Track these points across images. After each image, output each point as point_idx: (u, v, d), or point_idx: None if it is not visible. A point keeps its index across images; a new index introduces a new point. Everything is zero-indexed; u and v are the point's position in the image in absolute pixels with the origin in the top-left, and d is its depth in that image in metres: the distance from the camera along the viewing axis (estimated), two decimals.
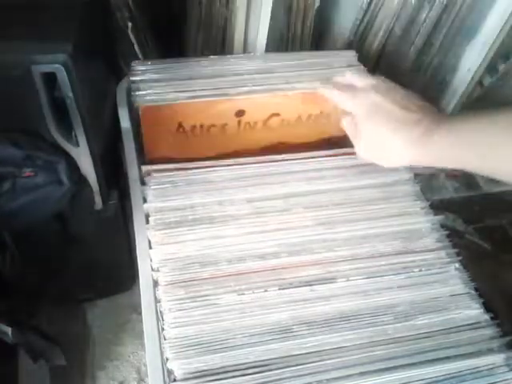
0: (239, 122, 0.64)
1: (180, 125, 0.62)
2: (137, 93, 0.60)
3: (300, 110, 0.65)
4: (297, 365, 0.46)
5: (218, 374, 0.45)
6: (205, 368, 0.45)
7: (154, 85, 0.62)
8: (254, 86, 0.63)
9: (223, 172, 0.60)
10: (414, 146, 0.50)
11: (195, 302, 0.49)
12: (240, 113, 0.63)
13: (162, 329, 0.47)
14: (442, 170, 1.26)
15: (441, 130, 0.48)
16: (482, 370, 0.47)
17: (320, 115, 0.66)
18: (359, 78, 0.58)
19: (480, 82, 1.10)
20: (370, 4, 0.82)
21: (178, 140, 0.63)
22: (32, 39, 0.55)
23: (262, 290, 0.51)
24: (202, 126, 0.63)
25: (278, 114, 0.65)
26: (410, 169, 0.64)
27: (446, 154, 0.48)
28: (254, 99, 0.62)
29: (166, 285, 0.50)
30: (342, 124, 0.59)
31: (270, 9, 0.75)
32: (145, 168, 0.59)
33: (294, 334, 0.48)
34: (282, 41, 0.86)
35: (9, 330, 0.64)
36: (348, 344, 0.48)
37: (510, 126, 0.43)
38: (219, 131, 0.64)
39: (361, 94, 0.55)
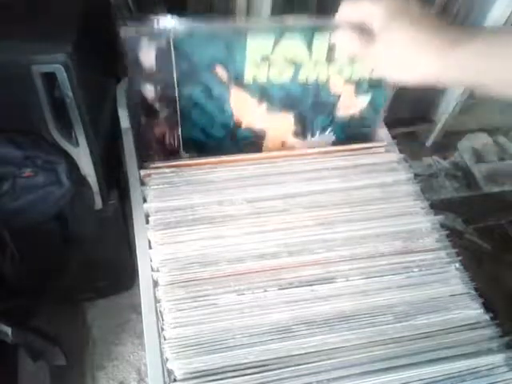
0: None
1: None
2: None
3: None
4: (296, 365, 0.46)
5: (217, 373, 0.45)
6: (205, 368, 0.45)
7: None
8: None
9: (223, 172, 0.60)
10: (442, 53, 0.46)
11: (195, 301, 0.49)
12: None
13: (162, 329, 0.47)
14: (441, 169, 1.26)
15: (473, 39, 0.45)
16: (481, 370, 0.47)
17: None
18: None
19: None
20: None
21: None
22: (32, 39, 0.55)
23: (262, 290, 0.51)
24: None
25: None
26: (410, 169, 0.64)
27: (476, 63, 0.44)
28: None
29: (166, 285, 0.50)
30: (350, 39, 0.49)
31: None
32: (144, 171, 0.59)
33: (294, 334, 0.48)
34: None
35: (9, 330, 0.64)
36: (348, 344, 0.48)
37: None
38: None
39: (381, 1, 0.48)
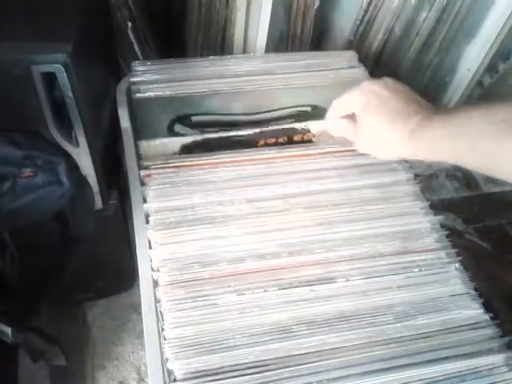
0: None
1: None
2: (137, 95, 0.60)
3: None
4: (296, 365, 0.46)
5: (217, 374, 0.45)
6: (205, 368, 0.45)
7: (153, 85, 0.62)
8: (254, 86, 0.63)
9: (223, 172, 0.60)
10: (408, 138, 0.50)
11: (195, 302, 0.49)
12: None
13: (162, 329, 0.47)
14: (441, 169, 1.26)
15: (433, 122, 0.48)
16: (481, 370, 0.47)
17: None
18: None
19: (480, 82, 1.10)
20: (369, 4, 0.82)
21: None
22: (32, 39, 0.55)
23: (262, 290, 0.51)
24: None
25: None
26: (410, 169, 0.64)
27: (438, 146, 0.48)
28: None
29: (166, 285, 0.50)
30: (340, 127, 0.58)
31: (269, 9, 0.76)
32: (144, 171, 0.59)
33: (294, 334, 0.48)
34: (282, 41, 0.86)
35: (9, 330, 0.64)
36: (348, 344, 0.48)
37: (502, 120, 0.43)
38: None
39: (359, 86, 0.55)
